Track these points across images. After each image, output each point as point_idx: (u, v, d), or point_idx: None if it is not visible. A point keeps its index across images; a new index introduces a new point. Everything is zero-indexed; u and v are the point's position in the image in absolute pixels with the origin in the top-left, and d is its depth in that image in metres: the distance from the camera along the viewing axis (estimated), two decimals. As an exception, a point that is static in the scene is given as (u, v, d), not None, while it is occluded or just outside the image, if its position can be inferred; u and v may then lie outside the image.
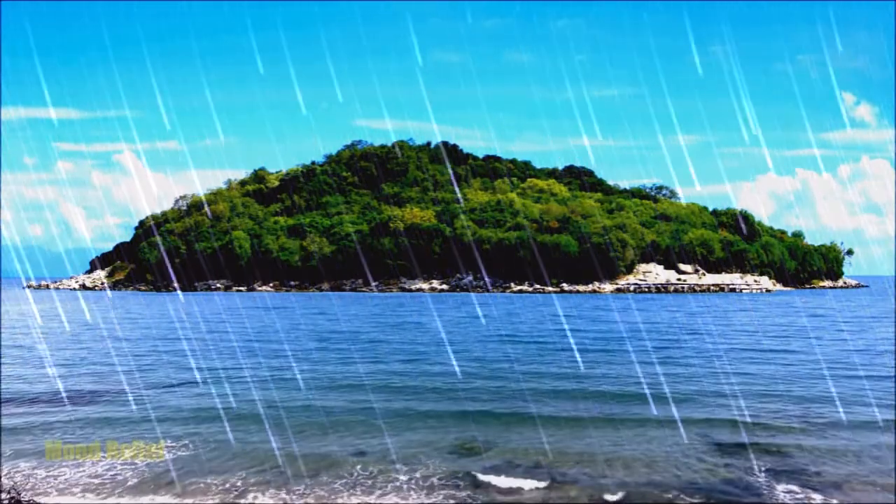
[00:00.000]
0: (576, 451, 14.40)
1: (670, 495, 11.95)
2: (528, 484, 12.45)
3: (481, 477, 12.76)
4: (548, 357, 28.00)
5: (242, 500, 11.69)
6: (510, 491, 12.16)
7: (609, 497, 11.90)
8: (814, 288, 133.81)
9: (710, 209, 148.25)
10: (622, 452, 14.41)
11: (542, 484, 12.45)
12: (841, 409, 18.37)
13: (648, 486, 12.39)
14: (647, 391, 20.52)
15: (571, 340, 34.63)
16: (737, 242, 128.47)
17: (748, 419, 17.19)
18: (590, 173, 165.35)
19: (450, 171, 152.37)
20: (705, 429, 16.26)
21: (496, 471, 13.14)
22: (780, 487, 12.35)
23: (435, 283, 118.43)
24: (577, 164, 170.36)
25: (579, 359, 27.25)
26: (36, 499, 11.51)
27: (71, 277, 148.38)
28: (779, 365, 26.31)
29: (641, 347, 31.75)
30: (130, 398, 19.68)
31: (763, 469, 13.33)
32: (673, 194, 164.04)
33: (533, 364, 25.98)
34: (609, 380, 22.62)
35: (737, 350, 31.09)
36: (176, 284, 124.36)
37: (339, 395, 20.35)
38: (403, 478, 12.69)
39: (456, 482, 12.50)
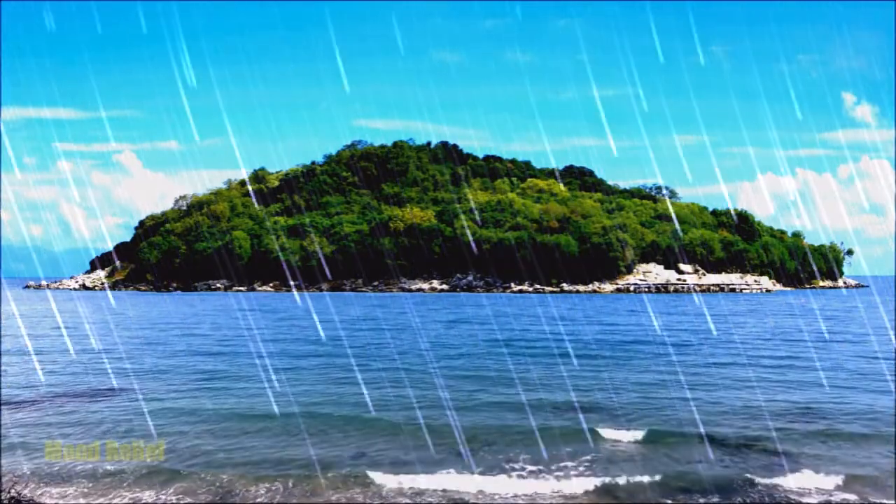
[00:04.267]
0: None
1: (671, 496, 11.96)
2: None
3: None
4: (546, 370, 25.69)
5: (240, 499, 11.69)
6: None
7: (610, 496, 11.91)
8: (814, 288, 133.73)
9: (710, 209, 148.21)
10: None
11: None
12: (842, 411, 18.38)
13: (648, 487, 12.40)
14: (650, 413, 20.47)
15: (571, 348, 34.60)
16: (737, 242, 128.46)
17: (749, 422, 17.18)
18: (590, 173, 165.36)
19: (449, 171, 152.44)
20: (709, 433, 16.24)
21: None
22: (780, 488, 12.34)
23: (435, 284, 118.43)
24: (577, 164, 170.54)
25: (578, 364, 27.11)
26: (36, 499, 11.50)
27: (71, 277, 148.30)
28: (787, 370, 26.29)
29: (644, 352, 31.71)
30: (129, 398, 19.68)
31: (763, 470, 13.33)
32: (673, 194, 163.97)
33: (532, 384, 22.83)
34: (614, 407, 22.42)
35: (743, 354, 31.08)
36: (176, 284, 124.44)
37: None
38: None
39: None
